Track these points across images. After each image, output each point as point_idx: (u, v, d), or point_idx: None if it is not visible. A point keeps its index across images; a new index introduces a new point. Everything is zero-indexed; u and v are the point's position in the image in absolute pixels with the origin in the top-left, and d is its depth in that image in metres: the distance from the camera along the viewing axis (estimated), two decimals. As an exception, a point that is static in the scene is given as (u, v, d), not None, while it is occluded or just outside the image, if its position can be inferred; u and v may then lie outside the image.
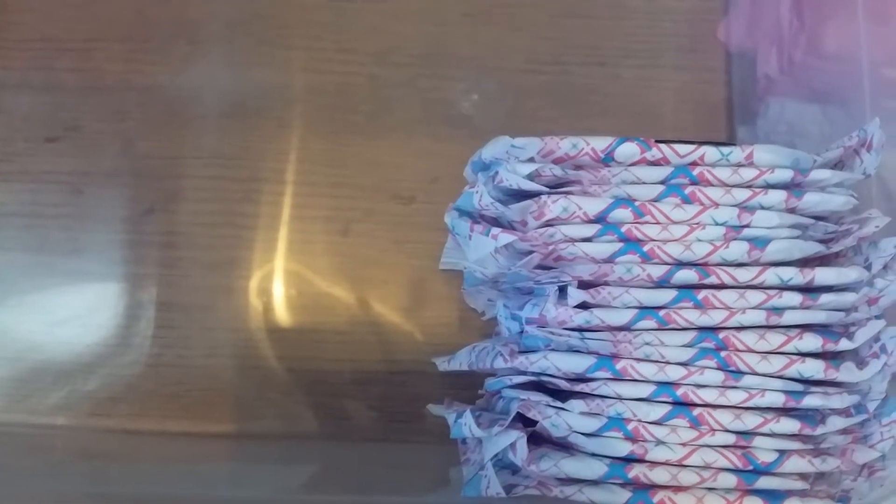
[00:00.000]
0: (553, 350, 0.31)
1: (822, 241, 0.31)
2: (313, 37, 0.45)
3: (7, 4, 0.45)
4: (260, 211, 0.43)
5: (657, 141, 0.31)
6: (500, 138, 0.32)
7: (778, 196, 0.31)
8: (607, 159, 0.31)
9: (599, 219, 0.31)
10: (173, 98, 0.44)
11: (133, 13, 0.45)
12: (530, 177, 0.31)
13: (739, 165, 0.31)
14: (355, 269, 0.43)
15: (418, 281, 0.43)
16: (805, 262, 0.31)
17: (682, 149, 0.31)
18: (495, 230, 0.31)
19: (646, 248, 0.30)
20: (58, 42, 0.44)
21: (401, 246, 0.43)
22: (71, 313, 0.42)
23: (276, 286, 0.43)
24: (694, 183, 0.31)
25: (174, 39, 0.44)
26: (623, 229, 0.30)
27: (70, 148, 0.43)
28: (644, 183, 0.31)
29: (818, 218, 0.31)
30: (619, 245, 0.30)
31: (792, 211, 0.31)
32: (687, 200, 0.31)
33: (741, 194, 0.31)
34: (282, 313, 0.43)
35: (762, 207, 0.31)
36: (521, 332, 0.32)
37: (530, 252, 0.31)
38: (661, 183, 0.31)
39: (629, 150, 0.31)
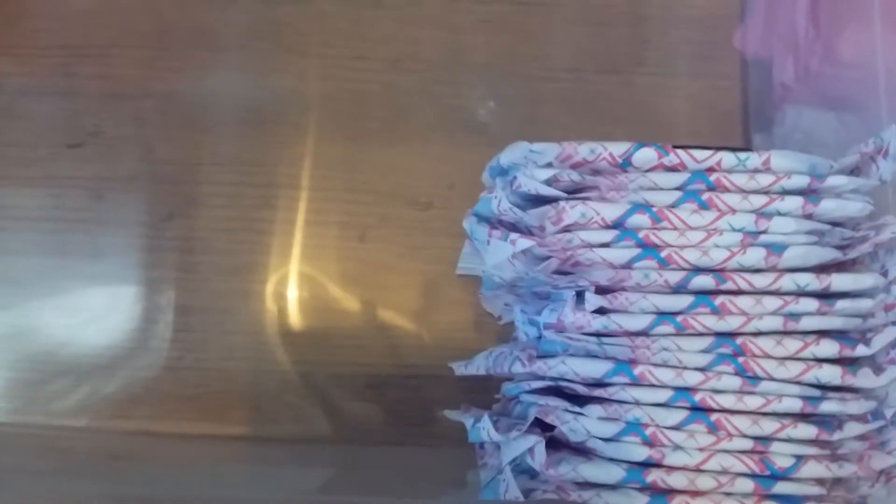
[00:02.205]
0: (571, 355, 0.31)
1: (838, 248, 0.31)
2: (329, 44, 0.45)
3: (28, 12, 0.45)
4: (277, 216, 0.44)
5: (674, 146, 0.31)
6: (519, 143, 0.32)
7: (795, 202, 0.31)
8: (625, 164, 0.32)
9: (617, 224, 0.31)
10: (192, 104, 0.44)
11: (152, 21, 0.45)
12: (548, 182, 0.31)
13: (756, 171, 0.31)
14: (371, 274, 0.43)
15: (434, 286, 0.43)
16: (822, 269, 0.31)
17: (700, 154, 0.31)
18: (513, 235, 0.31)
19: (663, 254, 0.30)
20: (78, 49, 0.45)
21: (417, 252, 0.43)
22: (91, 316, 0.43)
23: (292, 291, 0.43)
24: (711, 189, 0.31)
25: (193, 47, 0.45)
26: (641, 235, 0.31)
27: (91, 154, 0.44)
28: (661, 189, 0.31)
29: (835, 224, 0.31)
30: (637, 251, 0.30)
31: (808, 217, 0.31)
32: (704, 206, 0.31)
33: (758, 200, 0.31)
34: (298, 318, 0.43)
35: (779, 213, 0.31)
36: (539, 336, 0.32)
37: (548, 257, 0.31)
38: (679, 189, 0.31)
39: (647, 155, 0.31)
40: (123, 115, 0.44)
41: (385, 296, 0.43)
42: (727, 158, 0.31)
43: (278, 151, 0.44)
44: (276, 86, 0.45)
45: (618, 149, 0.31)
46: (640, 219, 0.31)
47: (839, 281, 0.30)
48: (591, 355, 0.31)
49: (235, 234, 0.44)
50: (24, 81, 0.45)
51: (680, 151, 0.31)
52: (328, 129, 0.44)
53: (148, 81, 0.45)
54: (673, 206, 0.31)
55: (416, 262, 0.43)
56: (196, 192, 0.44)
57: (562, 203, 0.31)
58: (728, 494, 0.30)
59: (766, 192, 0.31)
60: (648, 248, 0.30)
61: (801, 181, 0.31)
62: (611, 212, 0.31)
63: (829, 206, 0.31)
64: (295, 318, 0.43)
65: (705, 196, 0.31)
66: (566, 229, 0.31)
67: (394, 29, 0.45)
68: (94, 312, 0.43)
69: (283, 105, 0.45)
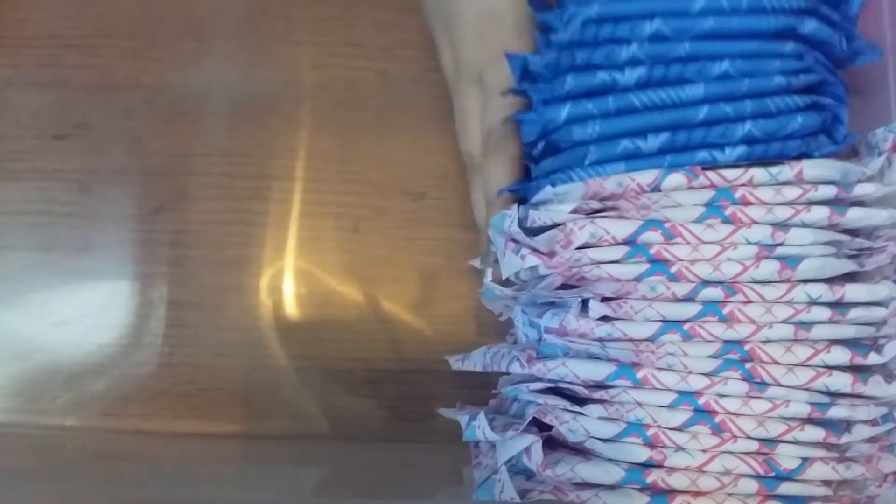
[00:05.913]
0: (572, 357, 0.30)
1: (855, 258, 0.30)
2: (321, 32, 0.44)
3: (15, 2, 0.44)
4: (269, 208, 0.43)
5: (704, 168, 0.30)
6: (545, 189, 0.31)
7: (821, 213, 0.29)
8: (653, 191, 0.30)
9: (628, 241, 0.30)
10: (181, 95, 0.43)
11: (140, 10, 0.44)
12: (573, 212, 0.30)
13: (786, 184, 0.30)
14: (366, 266, 0.42)
15: (430, 278, 0.42)
16: (835, 278, 0.30)
17: (730, 174, 0.30)
18: (524, 251, 0.31)
19: (673, 269, 0.29)
20: (65, 39, 0.44)
21: (412, 243, 0.42)
22: (80, 312, 0.42)
23: (286, 284, 0.42)
24: (734, 203, 0.30)
25: (181, 36, 0.44)
26: (652, 251, 0.29)
27: (78, 146, 0.43)
28: (682, 206, 0.30)
29: (853, 232, 0.31)
30: (647, 266, 0.29)
31: (833, 227, 0.30)
32: (727, 221, 0.30)
33: (783, 213, 0.30)
34: (292, 312, 0.42)
35: (804, 225, 0.30)
36: (540, 339, 0.32)
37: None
38: (702, 205, 0.30)
39: (676, 181, 0.30)
40: (111, 107, 0.43)
41: (380, 288, 0.42)
42: (759, 174, 0.30)
43: (270, 142, 0.43)
44: (267, 75, 0.44)
45: (646, 178, 0.30)
46: (652, 235, 0.29)
47: (853, 292, 0.29)
48: (592, 357, 0.30)
49: (227, 226, 0.43)
50: (10, 72, 0.43)
51: (710, 173, 0.30)
52: (321, 118, 0.43)
53: (136, 72, 0.44)
54: (696, 221, 0.30)
55: (411, 254, 0.42)
56: (186, 184, 0.43)
57: (570, 225, 0.30)
58: (731, 495, 0.29)
59: (791, 204, 0.30)
60: (658, 263, 0.29)
61: (827, 192, 0.30)
62: (622, 230, 0.29)
63: (856, 216, 0.30)
64: (288, 312, 0.42)
65: (729, 211, 0.30)
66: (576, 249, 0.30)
67: (386, 15, 0.44)
68: (83, 308, 0.42)
69: (274, 95, 0.43)
